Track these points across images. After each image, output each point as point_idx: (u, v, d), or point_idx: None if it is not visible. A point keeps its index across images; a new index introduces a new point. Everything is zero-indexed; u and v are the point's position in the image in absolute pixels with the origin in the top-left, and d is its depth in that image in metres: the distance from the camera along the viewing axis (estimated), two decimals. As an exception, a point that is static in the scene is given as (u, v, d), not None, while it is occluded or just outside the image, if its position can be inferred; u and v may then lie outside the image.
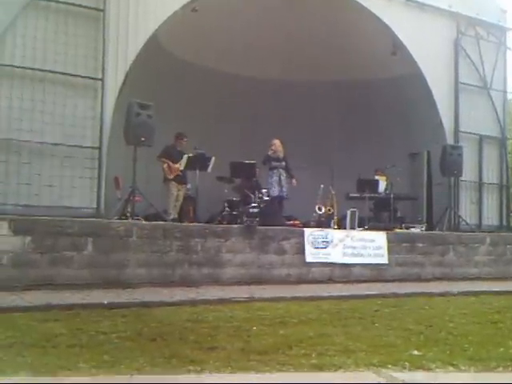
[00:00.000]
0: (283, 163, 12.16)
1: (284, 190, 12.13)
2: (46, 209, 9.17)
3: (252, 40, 13.74)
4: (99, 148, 9.93)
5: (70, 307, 6.88)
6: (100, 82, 10.05)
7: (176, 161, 10.96)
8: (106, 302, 7.21)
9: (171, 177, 10.86)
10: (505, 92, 14.76)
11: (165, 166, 10.86)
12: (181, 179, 11.11)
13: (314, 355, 4.95)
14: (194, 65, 13.79)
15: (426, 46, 13.32)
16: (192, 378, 4.28)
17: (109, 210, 9.99)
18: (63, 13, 9.89)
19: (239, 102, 14.77)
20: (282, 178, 12.11)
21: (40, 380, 4.05)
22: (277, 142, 12.20)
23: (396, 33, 12.98)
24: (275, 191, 11.99)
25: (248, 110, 14.90)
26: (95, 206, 9.79)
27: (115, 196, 10.66)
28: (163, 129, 10.85)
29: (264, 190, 11.90)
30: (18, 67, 9.45)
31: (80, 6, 9.93)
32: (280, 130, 14.03)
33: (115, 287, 8.41)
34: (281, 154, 12.16)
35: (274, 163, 12.08)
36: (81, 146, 9.80)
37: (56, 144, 9.60)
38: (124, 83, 10.36)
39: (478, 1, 14.23)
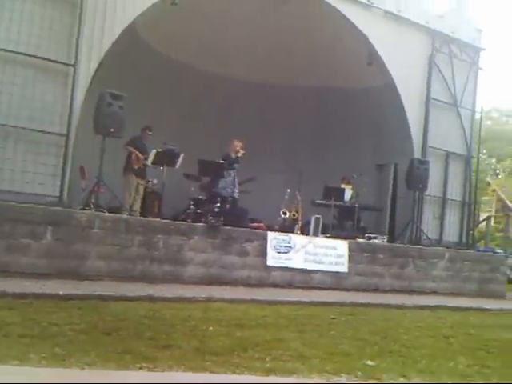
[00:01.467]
0: (237, 165, 12.12)
1: (236, 190, 12.10)
2: (6, 193, 8.95)
3: (230, 40, 13.71)
4: (66, 135, 9.76)
5: (25, 296, 6.74)
6: (72, 68, 9.89)
7: (141, 153, 10.83)
8: (61, 293, 7.09)
9: (136, 167, 10.68)
10: (473, 111, 15.06)
11: (133, 155, 10.70)
12: (141, 173, 10.96)
13: (268, 359, 4.96)
14: (171, 59, 13.68)
15: (401, 60, 13.51)
16: (142, 375, 4.24)
17: (72, 200, 9.81)
18: (40, -4, 9.70)
19: (213, 101, 14.75)
20: (236, 179, 12.11)
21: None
22: (239, 143, 12.15)
23: (373, 43, 13.13)
24: (228, 191, 11.92)
25: (221, 109, 14.87)
26: (58, 194, 9.61)
27: (79, 186, 10.48)
28: (134, 121, 10.72)
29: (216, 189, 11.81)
30: (-12, 47, 9.24)
31: (56, -11, 9.76)
32: (252, 131, 14.07)
33: (73, 279, 8.26)
34: (239, 155, 12.10)
35: (232, 164, 11.99)
36: (48, 132, 9.62)
37: (22, 128, 9.40)
38: (97, 71, 10.21)
39: (454, 19, 14.49)
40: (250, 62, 14.43)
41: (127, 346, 4.89)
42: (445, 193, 14.22)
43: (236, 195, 12.13)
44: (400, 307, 9.65)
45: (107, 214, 9.33)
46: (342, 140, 15.26)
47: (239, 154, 12.07)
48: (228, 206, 11.53)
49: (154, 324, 6.07)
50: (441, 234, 14.01)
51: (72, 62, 9.88)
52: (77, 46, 9.91)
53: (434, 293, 11.99)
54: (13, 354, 4.31)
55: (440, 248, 13.12)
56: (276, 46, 14.14)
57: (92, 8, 10.12)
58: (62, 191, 9.66)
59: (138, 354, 4.70)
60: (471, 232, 14.99)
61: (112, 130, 9.69)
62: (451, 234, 14.26)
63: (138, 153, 10.75)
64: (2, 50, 9.32)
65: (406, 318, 8.59)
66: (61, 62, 9.82)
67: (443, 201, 14.19)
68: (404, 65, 13.57)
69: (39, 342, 4.77)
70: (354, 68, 14.08)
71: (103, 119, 9.67)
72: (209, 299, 8.07)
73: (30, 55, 9.53)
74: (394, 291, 11.52)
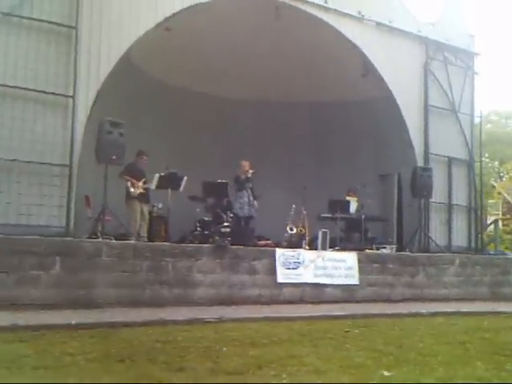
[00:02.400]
0: (251, 184, 12.23)
1: (253, 209, 12.22)
2: (13, 227, 8.99)
3: (226, 61, 13.82)
4: (69, 166, 9.81)
5: (36, 328, 6.72)
6: (71, 100, 9.98)
7: (138, 179, 10.85)
8: (73, 323, 7.07)
9: (135, 194, 10.70)
10: (472, 115, 15.10)
11: (128, 183, 10.73)
12: (144, 198, 10.96)
13: (284, 376, 4.92)
14: (167, 84, 13.78)
15: (397, 69, 13.62)
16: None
17: (79, 229, 9.84)
18: (35, 30, 9.84)
19: (212, 122, 14.81)
20: (251, 198, 12.19)
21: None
22: (246, 163, 12.32)
23: (367, 55, 13.24)
24: (245, 211, 12.02)
25: (221, 130, 14.92)
26: (64, 224, 9.63)
27: (85, 215, 10.51)
28: (134, 147, 10.80)
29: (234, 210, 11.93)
30: (-14, 83, 9.33)
31: (52, 23, 9.90)
32: (253, 149, 14.16)
33: (83, 307, 8.23)
34: (249, 176, 12.22)
35: (244, 184, 12.13)
36: (50, 164, 9.68)
37: (25, 161, 9.46)
38: (95, 101, 10.29)
39: (446, 26, 14.61)
40: (246, 80, 14.52)
41: (141, 372, 4.87)
42: (450, 198, 14.19)
43: (254, 214, 12.22)
44: (413, 315, 9.59)
45: (114, 241, 9.35)
46: (344, 153, 15.30)
47: (249, 174, 12.17)
48: (237, 225, 11.55)
49: (167, 348, 6.03)
50: (449, 239, 13.96)
51: (70, 94, 9.97)
52: (74, 77, 10.00)
53: (446, 299, 11.89)
54: (28, 387, 4.30)
55: (449, 254, 13.08)
56: (271, 64, 14.24)
57: (87, 39, 10.23)
58: (68, 221, 9.69)
59: (153, 378, 4.67)
60: (480, 236, 14.92)
61: (114, 157, 9.76)
62: (460, 239, 14.21)
63: (133, 180, 10.75)
64: (0, 85, 9.41)
65: (420, 325, 8.51)
66: (59, 94, 9.91)
67: (449, 207, 14.16)
68: (399, 74, 13.67)
69: (53, 373, 4.75)
70: (350, 80, 14.16)
71: (104, 147, 9.75)
72: (220, 319, 8.03)
73: (28, 89, 9.62)
74: (406, 300, 11.44)
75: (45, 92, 9.76)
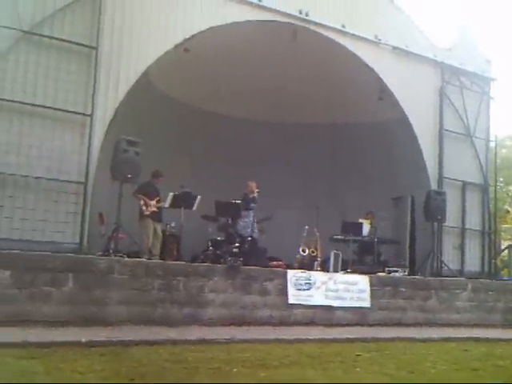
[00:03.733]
0: (256, 205, 12.32)
1: (255, 230, 12.24)
2: (28, 243, 9.08)
3: (242, 82, 13.94)
4: (85, 183, 9.91)
5: (48, 345, 6.77)
6: (89, 118, 10.10)
7: (151, 197, 10.92)
8: (84, 341, 7.10)
9: (147, 213, 10.79)
10: (487, 140, 15.07)
11: (141, 202, 10.81)
12: (157, 216, 10.99)
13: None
14: (184, 103, 13.93)
15: (412, 93, 13.66)
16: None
17: (92, 246, 9.91)
18: (56, 48, 9.99)
19: (227, 143, 14.91)
20: (255, 219, 12.26)
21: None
22: (253, 183, 12.42)
23: (383, 79, 13.30)
24: (248, 231, 12.07)
25: (235, 151, 15.01)
26: (78, 241, 9.70)
27: (99, 232, 10.58)
28: (150, 165, 10.88)
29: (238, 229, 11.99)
30: (6, 100, 9.47)
31: (73, 42, 10.04)
32: (267, 170, 14.22)
33: (95, 325, 8.28)
34: (256, 196, 12.27)
35: (251, 204, 12.21)
36: (66, 181, 9.77)
37: (41, 178, 9.57)
38: (113, 119, 10.41)
39: (463, 51, 14.67)
40: (262, 102, 14.64)
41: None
42: (463, 223, 14.12)
43: (255, 235, 12.23)
44: (425, 340, 9.53)
45: (127, 259, 9.40)
46: (357, 175, 15.31)
47: (255, 194, 12.22)
48: (247, 245, 11.58)
49: (177, 367, 6.06)
50: (462, 264, 13.86)
51: (89, 112, 10.09)
52: (93, 96, 10.13)
53: (459, 324, 11.78)
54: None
55: (462, 279, 12.97)
56: (287, 85, 14.36)
57: (107, 59, 10.37)
58: (81, 238, 9.75)
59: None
60: (493, 261, 14.79)
61: (129, 175, 9.84)
62: (473, 263, 14.09)
63: (145, 199, 10.82)
64: (20, 102, 9.55)
65: (432, 351, 8.45)
66: (78, 113, 10.02)
67: (462, 231, 14.09)
68: (415, 98, 13.71)
69: (64, 391, 4.79)
70: (366, 103, 14.22)
71: (120, 166, 9.84)
72: (231, 340, 8.04)
73: (47, 107, 9.75)
74: (418, 324, 11.35)
75: (63, 110, 9.88)
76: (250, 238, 11.89)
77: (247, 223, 12.14)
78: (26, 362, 5.85)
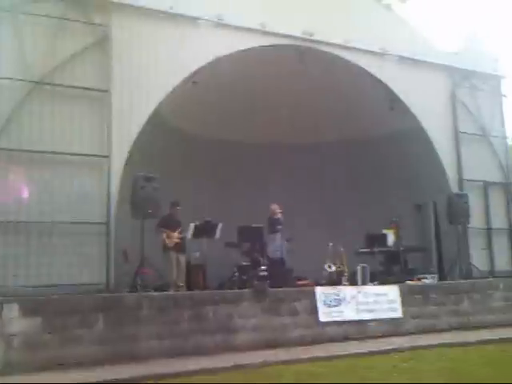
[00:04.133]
0: (281, 226, 12.36)
1: (284, 252, 12.27)
2: (55, 288, 9.21)
3: (253, 107, 14.12)
4: (107, 223, 10.07)
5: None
6: (106, 159, 10.31)
7: (173, 229, 11.06)
8: (120, 377, 7.18)
9: (171, 245, 10.91)
10: (504, 138, 15.00)
11: (163, 235, 10.95)
12: (180, 247, 11.08)
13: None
14: (197, 135, 14.14)
15: (424, 100, 13.67)
16: None
17: (118, 284, 10.02)
18: (68, 95, 10.21)
19: (244, 168, 15.05)
20: (283, 240, 12.28)
21: None
22: (276, 206, 12.48)
23: (393, 89, 13.34)
24: (279, 254, 12.12)
25: (253, 175, 15.14)
26: (105, 280, 9.82)
27: (124, 269, 10.71)
28: (169, 199, 11.04)
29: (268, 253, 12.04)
30: (25, 151, 9.73)
31: (85, 88, 10.28)
32: (285, 192, 14.31)
33: (127, 362, 8.34)
34: (281, 218, 12.34)
35: (277, 227, 12.26)
36: (89, 223, 9.93)
37: (64, 223, 9.74)
38: (129, 158, 10.62)
39: (470, 53, 14.68)
40: (276, 125, 14.79)
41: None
42: (489, 223, 13.97)
43: (285, 256, 12.26)
44: (461, 345, 9.41)
45: (154, 294, 9.51)
46: (377, 186, 15.30)
47: (279, 215, 12.31)
48: (275, 268, 11.60)
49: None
50: (491, 264, 13.64)
51: (105, 154, 10.29)
52: (108, 137, 10.33)
53: (495, 325, 11.58)
54: None
55: (493, 279, 12.80)
56: (298, 106, 14.50)
57: (118, 100, 10.53)
58: (108, 277, 9.85)
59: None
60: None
61: (150, 211, 10.00)
62: (502, 263, 13.84)
63: (168, 232, 10.95)
64: (38, 152, 9.79)
65: (470, 354, 8.34)
66: (95, 155, 10.24)
67: (488, 231, 13.93)
68: (427, 104, 13.71)
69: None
70: (378, 115, 14.26)
71: (139, 202, 9.99)
72: (265, 364, 8.03)
73: (65, 153, 9.97)
74: (453, 329, 11.21)
75: (81, 154, 10.09)
76: (279, 261, 11.95)
77: (276, 246, 12.18)
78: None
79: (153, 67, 11.07)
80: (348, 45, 12.89)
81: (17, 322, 8.05)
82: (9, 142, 9.66)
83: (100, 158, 10.31)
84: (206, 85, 12.19)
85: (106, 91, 10.46)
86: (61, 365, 8.02)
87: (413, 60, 13.78)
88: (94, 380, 7.21)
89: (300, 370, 7.50)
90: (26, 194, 9.60)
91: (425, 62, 13.95)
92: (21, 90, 9.86)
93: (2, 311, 7.95)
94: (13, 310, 8.03)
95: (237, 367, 7.91)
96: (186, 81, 11.44)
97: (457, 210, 12.79)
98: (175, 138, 13.52)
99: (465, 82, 14.48)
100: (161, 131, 12.70)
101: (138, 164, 10.86)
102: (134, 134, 10.75)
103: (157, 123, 11.73)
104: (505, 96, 15.23)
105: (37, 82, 9.95)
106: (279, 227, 12.26)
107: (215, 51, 11.59)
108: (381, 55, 13.40)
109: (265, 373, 7.37)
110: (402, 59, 13.64)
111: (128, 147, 10.65)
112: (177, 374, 7.56)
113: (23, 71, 9.86)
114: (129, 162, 10.62)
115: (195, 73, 11.51)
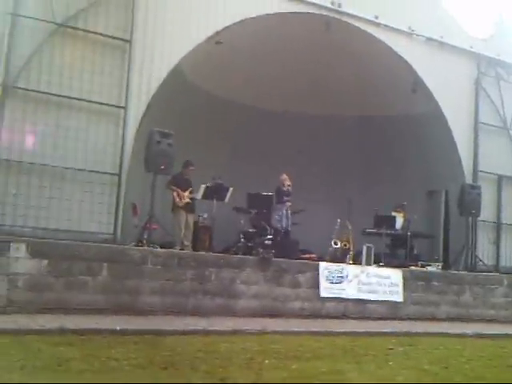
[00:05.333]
0: (290, 197, 12.27)
1: (289, 223, 12.20)
2: (63, 233, 9.25)
3: (274, 73, 13.89)
4: (119, 175, 10.02)
5: (83, 332, 6.90)
6: (123, 110, 10.21)
7: (184, 189, 10.99)
8: (118, 328, 7.21)
9: (181, 204, 10.86)
10: (524, 133, 14.73)
11: (174, 193, 10.87)
12: (190, 208, 11.03)
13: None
14: (216, 96, 13.94)
15: (447, 85, 13.43)
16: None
17: (125, 237, 10.03)
18: (90, 41, 10.09)
19: (259, 134, 14.88)
20: (289, 211, 12.19)
21: None
22: (286, 177, 12.38)
23: (417, 71, 13.11)
24: (283, 224, 12.04)
25: (267, 142, 14.99)
26: (112, 231, 9.83)
27: (132, 222, 10.70)
28: (182, 157, 10.95)
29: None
30: (43, 93, 9.62)
31: (107, 36, 10.14)
32: (298, 162, 14.18)
33: (128, 313, 8.41)
34: (290, 189, 12.25)
35: (285, 198, 12.17)
36: (101, 172, 9.90)
37: (77, 169, 9.72)
38: (146, 111, 10.50)
39: (498, 42, 14.36)
40: (294, 94, 14.55)
41: (184, 380, 4.92)
42: (499, 217, 13.84)
43: (289, 227, 12.21)
44: (459, 336, 9.40)
45: (160, 250, 9.50)
46: (391, 167, 15.14)
47: (288, 187, 12.23)
48: (281, 238, 11.59)
49: (209, 357, 6.09)
50: (497, 259, 13.59)
51: (123, 105, 10.20)
52: (127, 88, 10.23)
53: (494, 320, 11.61)
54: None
55: (497, 274, 12.75)
56: (319, 77, 14.25)
57: (140, 52, 10.45)
58: (115, 229, 9.88)
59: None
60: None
61: (162, 167, 9.91)
62: (508, 259, 13.80)
63: (179, 191, 10.89)
64: (55, 95, 9.68)
65: (466, 347, 8.32)
66: (112, 105, 10.14)
67: (498, 225, 13.82)
68: (450, 90, 13.48)
69: (99, 377, 4.86)
70: (399, 96, 14.03)
71: (153, 157, 9.91)
72: (263, 331, 8.05)
73: (83, 99, 9.88)
74: (451, 319, 11.22)
75: (98, 103, 9.99)
76: (283, 231, 11.90)
77: (281, 216, 12.11)
78: (61, 349, 5.97)
79: (178, 22, 10.90)
80: (377, 20, 12.62)
81: (23, 263, 8.08)
82: (27, 82, 9.55)
83: (117, 109, 10.23)
84: (230, 46, 11.98)
85: (128, 41, 10.33)
86: (63, 308, 8.07)
87: (440, 42, 13.50)
88: (93, 326, 7.22)
89: (298, 343, 7.48)
90: (38, 136, 9.52)
91: (452, 46, 13.66)
92: (43, 31, 9.71)
93: (9, 250, 7.94)
94: (20, 250, 8.04)
95: (234, 332, 7.91)
96: (209, 40, 11.27)
97: (469, 200, 12.66)
98: (194, 96, 13.32)
99: (490, 71, 14.19)
100: (180, 88, 12.49)
101: (155, 119, 10.72)
102: (153, 87, 10.66)
103: (176, 80, 11.55)
104: (529, 89, 14.93)
105: (59, 25, 9.80)
106: (286, 198, 12.15)
107: (242, 12, 11.40)
108: (408, 35, 13.14)
109: (261, 341, 7.35)
110: (430, 41, 13.38)
111: (146, 100, 10.57)
112: (174, 332, 7.56)
113: (46, 12, 9.69)
114: (146, 116, 10.53)
115: (220, 32, 11.32)
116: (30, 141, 9.49)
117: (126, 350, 6.09)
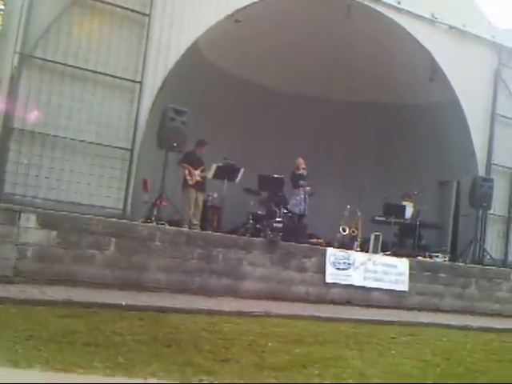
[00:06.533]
0: (306, 182, 12.23)
1: (306, 207, 12.16)
2: (73, 205, 9.30)
3: (292, 56, 13.79)
4: (131, 150, 10.03)
5: (89, 305, 6.95)
6: (138, 85, 10.18)
7: (196, 167, 10.97)
8: (124, 304, 7.26)
9: (191, 182, 10.85)
10: (541, 128, 14.54)
11: (186, 171, 10.87)
12: (200, 186, 11.04)
13: (328, 376, 4.93)
14: (233, 75, 13.85)
15: (466, 75, 13.24)
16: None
17: (135, 212, 10.06)
18: (109, 14, 10.05)
19: (273, 116, 14.82)
20: (306, 196, 12.14)
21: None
22: (301, 161, 12.35)
23: (436, 59, 12.93)
24: (301, 208, 12.01)
25: (281, 125, 14.93)
26: (121, 206, 9.87)
27: (142, 198, 10.72)
28: (196, 135, 10.92)
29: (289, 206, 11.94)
30: (60, 63, 9.60)
31: (126, 9, 10.08)
32: (312, 146, 14.11)
33: (134, 289, 8.46)
34: (305, 173, 12.21)
35: (300, 182, 12.14)
36: (113, 147, 9.91)
37: (89, 142, 9.73)
38: (161, 88, 10.46)
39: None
40: (310, 77, 14.43)
41: (187, 359, 4.97)
42: (510, 212, 13.75)
43: (306, 212, 12.21)
44: (462, 328, 9.38)
45: (168, 227, 9.51)
46: (403, 156, 15.04)
47: (304, 172, 12.24)
48: (293, 222, 11.62)
49: (213, 337, 6.12)
50: (506, 254, 13.50)
51: (138, 79, 10.17)
52: (143, 63, 10.20)
53: (498, 315, 11.57)
54: (77, 362, 4.44)
55: (505, 268, 12.69)
56: (337, 61, 14.13)
57: (158, 27, 10.41)
58: (125, 204, 9.92)
59: (198, 366, 4.76)
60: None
61: (175, 144, 9.88)
62: (517, 254, 13.76)
63: (191, 168, 10.87)
64: (71, 66, 9.68)
65: (470, 339, 8.31)
66: (128, 79, 10.12)
67: (508, 220, 13.73)
68: (468, 80, 13.29)
69: (103, 351, 4.90)
70: (417, 84, 13.88)
71: (166, 134, 9.89)
72: (267, 314, 8.08)
73: (98, 72, 9.86)
74: (455, 312, 11.18)
75: (114, 76, 9.97)
76: (298, 216, 11.93)
77: (298, 200, 12.10)
78: (67, 321, 6.02)
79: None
80: (399, 6, 12.43)
81: (32, 233, 8.10)
82: (44, 52, 9.54)
83: (133, 83, 10.21)
84: (249, 25, 11.90)
85: (147, 15, 10.28)
86: (70, 280, 8.14)
87: (461, 31, 13.29)
88: (99, 300, 7.28)
89: (300, 326, 7.51)
90: (52, 107, 9.52)
91: (474, 35, 13.44)
92: (63, 1, 9.63)
93: (19, 220, 7.98)
94: (30, 221, 8.07)
95: (239, 313, 7.93)
96: (228, 18, 11.17)
97: (480, 193, 12.58)
98: (210, 74, 13.24)
99: (510, 62, 13.96)
100: (197, 66, 12.43)
101: (170, 96, 10.68)
102: (169, 64, 10.63)
103: (193, 57, 11.49)
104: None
105: (78, -4, 9.73)
106: (302, 182, 12.12)
107: (263, -8, 11.22)
108: (431, 22, 12.94)
109: (265, 324, 7.38)
110: (451, 29, 13.18)
111: (162, 76, 10.55)
112: (179, 310, 7.59)
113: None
114: (161, 92, 10.49)
115: (239, 11, 11.23)
116: (43, 111, 9.47)
117: (131, 326, 6.15)
